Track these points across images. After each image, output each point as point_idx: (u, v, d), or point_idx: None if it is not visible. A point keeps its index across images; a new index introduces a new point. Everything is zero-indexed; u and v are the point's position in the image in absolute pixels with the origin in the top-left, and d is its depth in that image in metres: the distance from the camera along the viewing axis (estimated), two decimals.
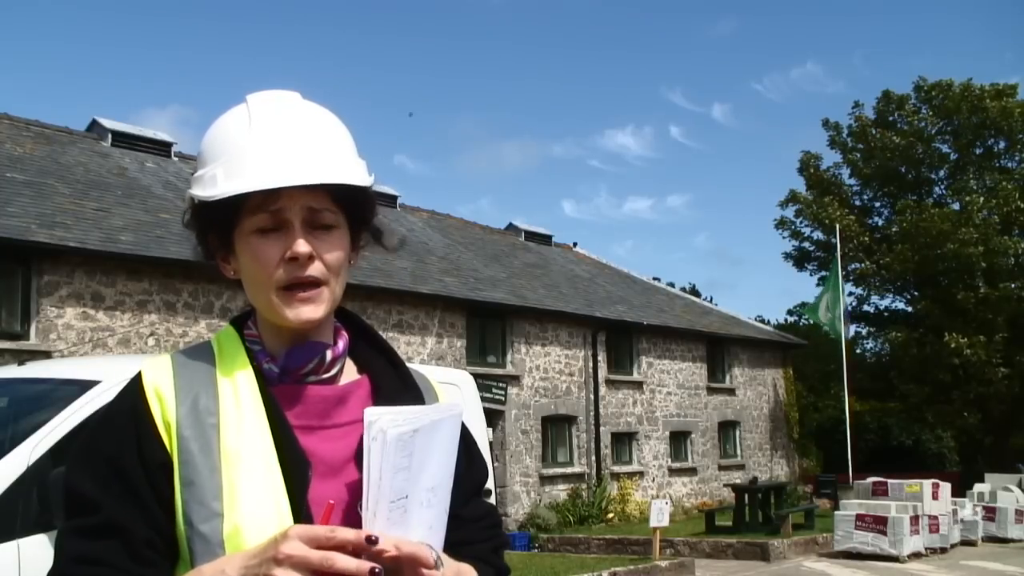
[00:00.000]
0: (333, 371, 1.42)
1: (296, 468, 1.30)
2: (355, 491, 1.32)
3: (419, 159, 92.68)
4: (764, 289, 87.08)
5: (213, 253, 1.43)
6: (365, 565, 1.15)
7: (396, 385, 1.45)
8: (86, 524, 1.27)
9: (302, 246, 1.33)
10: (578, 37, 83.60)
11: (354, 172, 1.37)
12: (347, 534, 1.17)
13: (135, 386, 1.35)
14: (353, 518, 1.30)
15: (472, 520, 1.46)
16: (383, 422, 1.24)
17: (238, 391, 1.35)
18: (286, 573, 1.15)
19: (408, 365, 1.53)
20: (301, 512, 1.28)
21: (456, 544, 1.37)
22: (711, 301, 37.77)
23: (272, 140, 1.34)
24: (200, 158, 1.40)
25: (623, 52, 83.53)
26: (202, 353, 1.41)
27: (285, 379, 1.39)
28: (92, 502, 1.27)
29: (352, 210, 1.41)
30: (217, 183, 1.34)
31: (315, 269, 1.36)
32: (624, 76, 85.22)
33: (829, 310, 23.95)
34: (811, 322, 25.76)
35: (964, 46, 66.83)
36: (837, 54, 79.20)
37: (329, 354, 1.41)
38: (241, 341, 1.42)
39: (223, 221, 1.37)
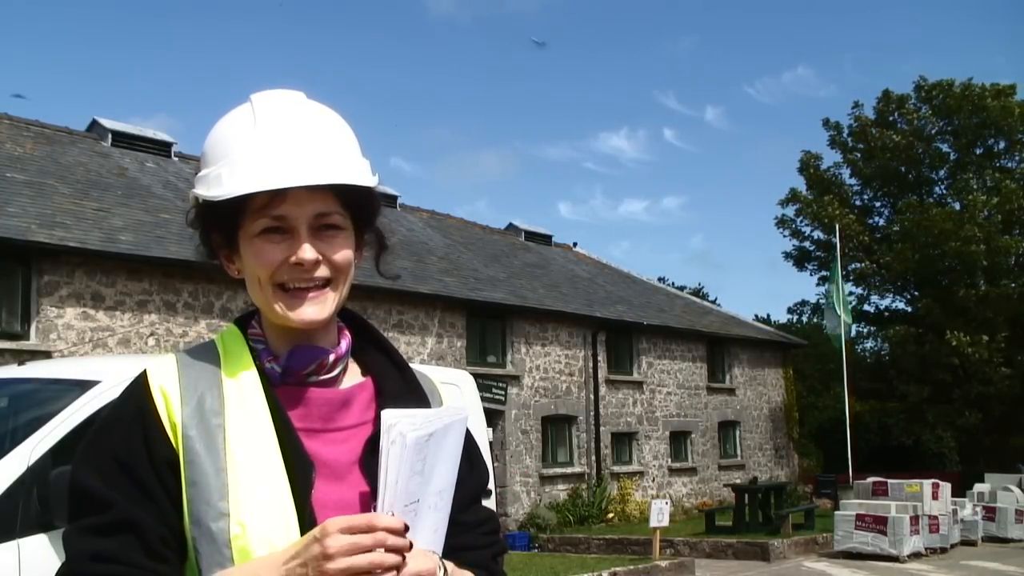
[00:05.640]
0: (335, 372, 1.41)
1: (300, 470, 1.30)
2: (361, 495, 1.33)
3: (415, 161, 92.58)
4: (754, 291, 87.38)
5: (216, 252, 1.42)
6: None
7: (400, 388, 1.45)
8: (98, 522, 1.25)
9: (308, 252, 1.33)
10: (571, 41, 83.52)
11: (359, 172, 1.36)
12: (386, 521, 1.19)
13: (140, 385, 1.34)
14: None
15: (473, 525, 1.45)
16: (402, 425, 1.24)
17: (243, 392, 1.34)
18: (339, 565, 1.15)
19: (411, 366, 1.52)
20: (305, 514, 1.28)
21: (457, 549, 1.37)
22: (715, 302, 37.77)
23: (277, 140, 1.33)
24: (204, 157, 1.39)
25: (616, 56, 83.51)
26: (206, 353, 1.40)
27: (288, 379, 1.38)
28: (103, 500, 1.26)
29: (357, 211, 1.40)
30: (222, 183, 1.32)
31: (322, 270, 1.35)
32: (617, 79, 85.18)
33: (838, 312, 23.84)
34: (814, 321, 25.66)
35: (956, 50, 66.93)
36: (828, 58, 79.29)
37: (332, 356, 1.40)
38: (245, 341, 1.41)
39: (227, 221, 1.36)
